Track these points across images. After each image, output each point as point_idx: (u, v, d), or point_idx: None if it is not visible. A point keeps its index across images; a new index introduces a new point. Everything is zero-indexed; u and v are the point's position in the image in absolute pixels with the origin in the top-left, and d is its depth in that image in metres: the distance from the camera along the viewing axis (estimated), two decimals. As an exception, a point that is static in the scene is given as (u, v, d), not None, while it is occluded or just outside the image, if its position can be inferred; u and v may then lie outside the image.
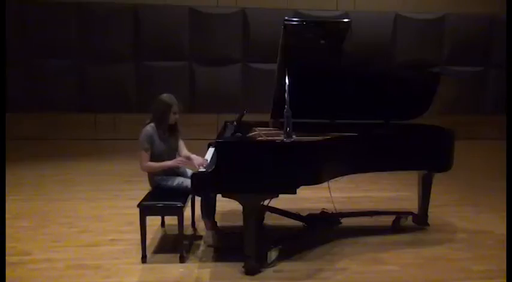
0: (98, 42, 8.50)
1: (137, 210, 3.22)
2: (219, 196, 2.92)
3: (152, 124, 3.43)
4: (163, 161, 3.42)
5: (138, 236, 3.25)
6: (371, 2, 8.99)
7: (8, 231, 3.83)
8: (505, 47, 8.27)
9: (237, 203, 3.00)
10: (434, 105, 3.91)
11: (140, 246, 3.26)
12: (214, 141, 3.32)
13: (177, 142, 3.62)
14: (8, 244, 3.55)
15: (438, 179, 3.99)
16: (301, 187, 3.00)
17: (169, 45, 8.58)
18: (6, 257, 3.29)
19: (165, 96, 3.45)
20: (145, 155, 3.36)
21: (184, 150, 3.65)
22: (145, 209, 3.21)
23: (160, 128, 3.42)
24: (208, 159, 3.38)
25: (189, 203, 3.58)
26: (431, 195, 4.00)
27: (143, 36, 8.56)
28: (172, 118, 3.43)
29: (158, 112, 3.42)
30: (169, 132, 3.50)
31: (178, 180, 3.46)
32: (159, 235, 3.77)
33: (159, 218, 3.89)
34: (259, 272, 3.10)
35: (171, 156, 3.52)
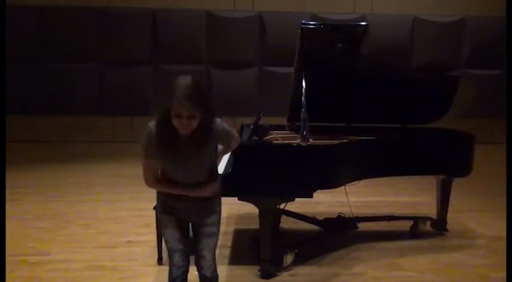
0: (117, 46, 8.61)
1: (154, 212, 3.24)
2: (234, 199, 2.92)
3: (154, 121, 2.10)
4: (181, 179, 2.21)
5: (155, 238, 3.27)
6: (389, 4, 8.92)
7: (28, 231, 3.91)
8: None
9: (253, 206, 3.00)
10: (453, 108, 3.85)
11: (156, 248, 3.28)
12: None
13: (210, 151, 2.22)
14: (28, 244, 3.63)
15: (457, 184, 3.92)
16: (318, 191, 2.99)
17: (187, 49, 8.65)
18: (26, 257, 3.37)
19: (176, 85, 1.99)
20: (147, 164, 2.17)
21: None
22: (162, 211, 3.23)
23: (161, 129, 2.07)
24: (225, 163, 3.38)
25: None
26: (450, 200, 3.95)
27: (161, 40, 8.64)
28: (177, 124, 2.01)
29: (161, 106, 2.05)
30: (182, 137, 2.08)
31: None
32: (175, 237, 3.79)
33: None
34: (275, 275, 3.10)
35: (201, 172, 2.23)
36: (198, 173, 2.21)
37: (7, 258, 3.20)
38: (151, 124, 2.10)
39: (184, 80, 2.00)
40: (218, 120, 2.20)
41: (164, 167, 2.19)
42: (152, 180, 2.21)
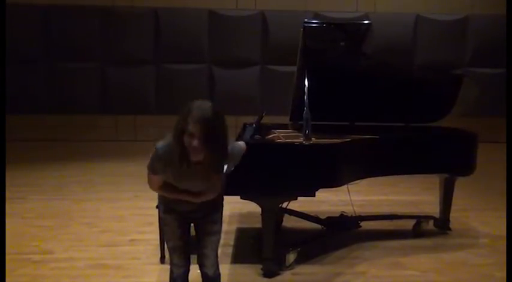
0: (119, 45, 8.61)
1: (157, 211, 3.24)
2: (236, 198, 2.92)
3: (168, 140, 2.11)
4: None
5: (158, 237, 3.28)
6: (391, 3, 8.90)
7: (31, 230, 3.92)
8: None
9: (256, 205, 3.00)
10: (456, 107, 3.84)
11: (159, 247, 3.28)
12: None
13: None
14: (31, 243, 3.64)
15: (460, 182, 3.91)
16: (320, 190, 2.98)
17: (189, 48, 8.65)
18: (30, 256, 3.38)
19: (194, 105, 2.01)
20: (151, 177, 2.21)
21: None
22: (164, 210, 3.23)
23: (176, 150, 2.05)
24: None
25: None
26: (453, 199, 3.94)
27: (163, 39, 8.64)
28: (187, 142, 2.00)
29: (176, 125, 2.04)
30: (192, 164, 2.08)
31: None
32: (178, 236, 3.79)
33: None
34: (278, 274, 3.10)
35: (206, 187, 2.23)
36: (203, 187, 2.22)
37: (11, 257, 3.23)
38: (160, 145, 2.11)
39: (204, 104, 2.02)
40: (229, 147, 2.18)
41: (169, 180, 2.19)
42: (156, 187, 2.25)
